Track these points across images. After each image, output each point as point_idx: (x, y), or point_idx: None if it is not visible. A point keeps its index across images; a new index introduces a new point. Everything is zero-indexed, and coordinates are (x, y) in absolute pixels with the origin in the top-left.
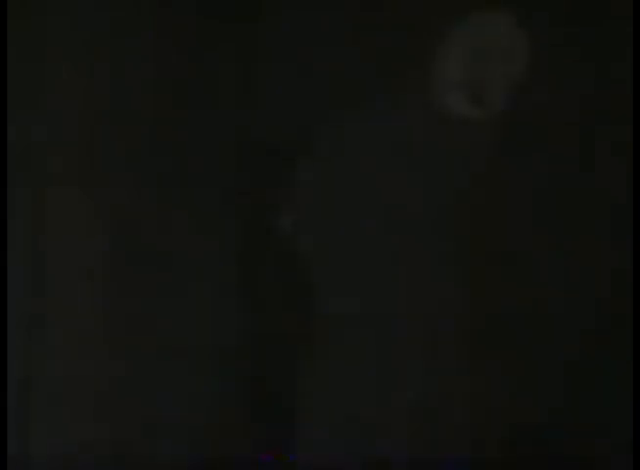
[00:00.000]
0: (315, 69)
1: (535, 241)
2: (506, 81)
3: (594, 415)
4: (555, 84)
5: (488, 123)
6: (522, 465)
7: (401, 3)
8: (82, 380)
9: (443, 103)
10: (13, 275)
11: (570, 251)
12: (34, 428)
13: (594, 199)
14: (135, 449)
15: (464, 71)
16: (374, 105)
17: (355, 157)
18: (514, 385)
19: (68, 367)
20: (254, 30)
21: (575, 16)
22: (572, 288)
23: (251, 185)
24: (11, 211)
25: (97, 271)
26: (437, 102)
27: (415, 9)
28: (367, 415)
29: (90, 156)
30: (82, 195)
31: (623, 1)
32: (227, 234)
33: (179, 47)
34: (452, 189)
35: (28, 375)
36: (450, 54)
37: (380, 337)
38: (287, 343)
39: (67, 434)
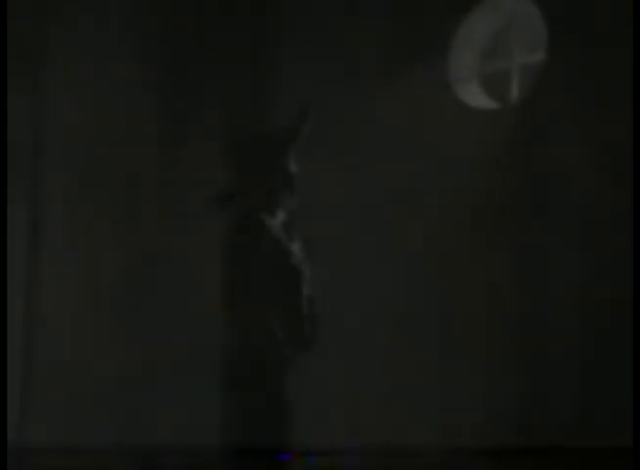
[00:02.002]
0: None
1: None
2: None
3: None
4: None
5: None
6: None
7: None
8: (86, 372)
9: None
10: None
11: (571, 243)
12: None
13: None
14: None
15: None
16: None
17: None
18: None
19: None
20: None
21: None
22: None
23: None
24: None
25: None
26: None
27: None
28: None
29: (89, 153)
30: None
31: (623, 1)
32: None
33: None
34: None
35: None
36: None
37: (385, 333)
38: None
39: None
